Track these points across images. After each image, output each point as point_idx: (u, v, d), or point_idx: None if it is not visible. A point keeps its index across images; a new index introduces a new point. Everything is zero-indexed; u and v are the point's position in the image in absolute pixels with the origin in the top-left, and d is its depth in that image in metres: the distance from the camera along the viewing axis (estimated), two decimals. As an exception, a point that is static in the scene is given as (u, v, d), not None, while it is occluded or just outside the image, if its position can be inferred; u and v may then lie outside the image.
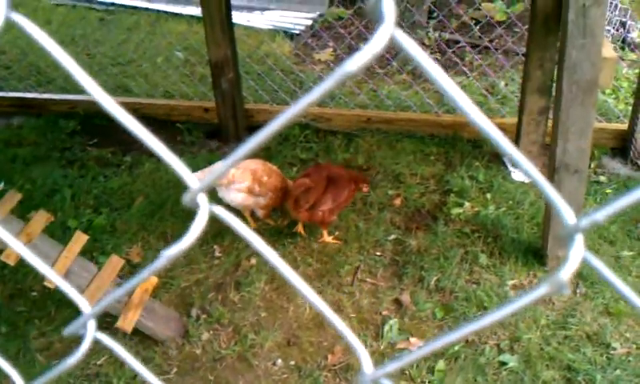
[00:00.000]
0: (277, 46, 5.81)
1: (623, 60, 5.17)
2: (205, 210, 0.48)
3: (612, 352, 2.70)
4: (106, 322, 2.84)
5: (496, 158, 3.97)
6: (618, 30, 5.51)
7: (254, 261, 3.29)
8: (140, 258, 3.37)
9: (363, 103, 4.70)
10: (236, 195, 3.27)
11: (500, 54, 5.27)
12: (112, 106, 0.46)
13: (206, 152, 4.37)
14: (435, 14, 5.63)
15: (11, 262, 2.62)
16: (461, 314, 2.94)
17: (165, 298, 3.12)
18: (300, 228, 3.44)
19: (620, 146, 3.99)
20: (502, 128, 4.09)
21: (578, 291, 3.01)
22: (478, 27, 5.17)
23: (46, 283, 2.70)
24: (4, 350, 2.88)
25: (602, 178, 3.78)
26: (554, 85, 3.16)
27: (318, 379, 2.68)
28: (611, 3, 5.41)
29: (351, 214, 3.57)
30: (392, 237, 3.43)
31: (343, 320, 2.75)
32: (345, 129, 4.39)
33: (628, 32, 5.46)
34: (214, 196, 3.43)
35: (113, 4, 7.25)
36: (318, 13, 6.62)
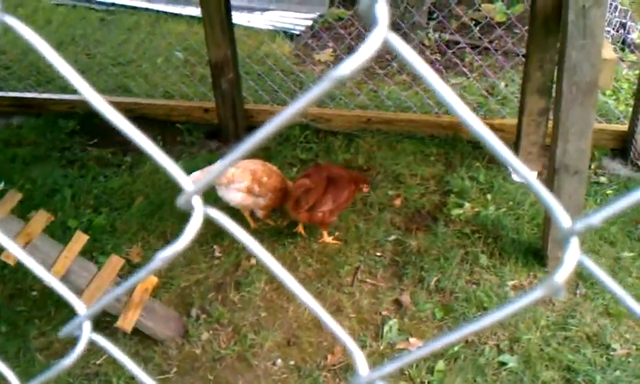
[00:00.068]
0: (277, 46, 5.81)
1: (623, 61, 5.17)
2: (199, 212, 0.48)
3: (612, 353, 2.70)
4: (106, 321, 2.84)
5: (496, 159, 3.97)
6: (618, 31, 5.51)
7: (253, 261, 3.30)
8: (140, 258, 3.37)
9: (363, 104, 4.70)
10: (235, 195, 3.27)
11: (500, 55, 5.27)
12: (104, 106, 0.46)
13: (205, 152, 4.37)
14: (435, 15, 5.63)
15: (11, 262, 2.63)
16: (461, 315, 2.94)
17: (165, 297, 3.12)
18: (300, 228, 3.44)
19: (620, 147, 3.99)
20: (502, 129, 4.10)
21: (577, 292, 3.01)
22: (477, 28, 5.18)
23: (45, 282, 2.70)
24: (4, 349, 2.88)
25: (603, 179, 3.78)
26: (554, 86, 3.16)
27: (317, 379, 2.68)
28: (611, 4, 5.41)
29: (351, 214, 3.57)
30: (392, 237, 3.43)
31: (343, 320, 2.77)
32: (345, 129, 4.39)
33: (628, 33, 5.46)
34: (212, 195, 3.43)
35: (113, 4, 7.26)
36: (318, 13, 6.62)
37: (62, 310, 3.05)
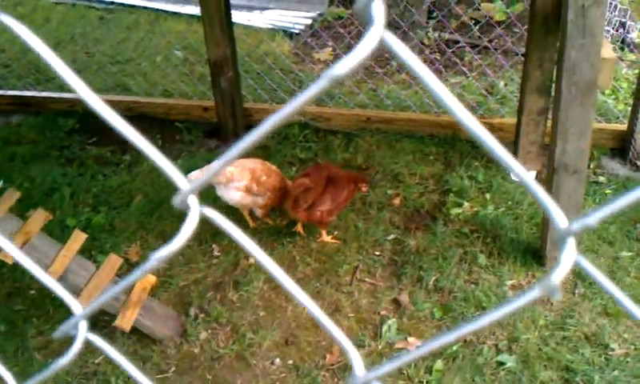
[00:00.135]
0: (276, 45, 5.81)
1: (622, 60, 5.17)
2: (195, 212, 0.48)
3: (610, 353, 2.70)
4: (104, 320, 2.84)
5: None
6: (617, 31, 5.51)
7: (252, 260, 3.29)
8: (138, 257, 3.37)
9: (363, 103, 4.70)
10: (234, 194, 3.27)
11: (499, 54, 5.27)
12: (100, 105, 0.46)
13: (204, 151, 4.37)
14: (435, 14, 5.63)
15: (9, 261, 2.62)
16: (459, 314, 2.94)
17: (163, 296, 3.12)
18: (299, 227, 3.44)
19: (619, 147, 3.99)
20: (502, 128, 4.10)
21: (576, 292, 3.01)
22: (477, 27, 5.17)
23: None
24: (2, 348, 2.88)
25: (602, 179, 3.78)
26: (554, 85, 3.16)
27: (316, 379, 2.68)
28: (611, 3, 5.41)
29: (350, 213, 3.57)
30: (391, 237, 3.43)
31: (342, 320, 2.77)
32: (344, 128, 4.39)
33: (627, 32, 5.45)
34: (211, 194, 3.43)
35: (112, 2, 7.25)
36: (317, 12, 6.62)
37: (60, 308, 3.05)
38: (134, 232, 3.56)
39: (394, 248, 3.36)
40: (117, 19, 6.92)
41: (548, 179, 3.05)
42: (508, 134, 4.07)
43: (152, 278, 2.87)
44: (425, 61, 5.43)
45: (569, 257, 0.38)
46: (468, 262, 3.20)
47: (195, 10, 5.98)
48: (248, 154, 3.49)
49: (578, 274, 3.07)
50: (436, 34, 5.67)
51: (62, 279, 2.61)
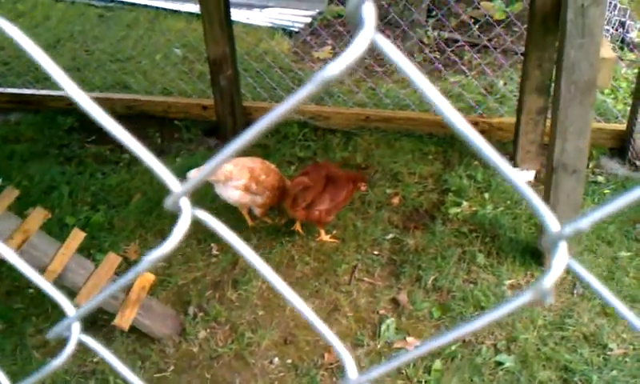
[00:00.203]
0: (276, 43, 5.81)
1: (622, 60, 5.16)
2: (187, 214, 0.48)
3: (609, 353, 2.70)
4: (103, 319, 2.84)
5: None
6: (617, 30, 5.50)
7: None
8: (137, 256, 3.37)
9: (362, 101, 4.70)
10: (233, 192, 3.26)
11: (499, 53, 5.26)
12: (91, 106, 0.45)
13: (203, 149, 4.36)
14: (434, 13, 5.62)
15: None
16: (458, 314, 2.94)
17: (162, 295, 3.12)
18: (298, 227, 3.43)
19: (618, 146, 3.98)
20: (501, 127, 4.10)
21: (575, 292, 3.01)
22: (477, 26, 5.17)
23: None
24: (1, 347, 2.88)
25: (600, 178, 3.77)
26: (553, 84, 3.16)
27: (314, 378, 2.68)
28: (610, 3, 5.40)
29: (349, 212, 3.57)
30: (390, 236, 3.43)
31: (340, 319, 2.76)
32: (343, 127, 4.38)
33: (627, 32, 5.45)
34: (209, 193, 3.43)
35: (112, 0, 7.24)
36: (317, 10, 6.61)
37: (58, 307, 3.04)
38: (133, 230, 3.55)
39: (392, 247, 3.36)
40: (116, 17, 6.91)
41: (547, 179, 3.05)
42: (507, 134, 4.07)
43: (151, 277, 2.87)
44: (424, 60, 5.43)
45: (561, 261, 0.38)
46: (467, 261, 3.20)
47: (195, 7, 5.99)
48: (247, 152, 3.49)
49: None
50: (435, 33, 5.67)
51: (60, 278, 2.61)
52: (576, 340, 2.77)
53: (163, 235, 3.51)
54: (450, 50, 5.04)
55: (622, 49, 5.38)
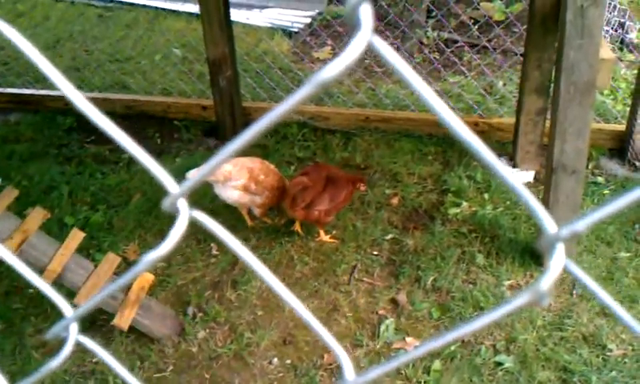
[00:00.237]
0: (275, 44, 5.81)
1: (621, 61, 5.17)
2: (185, 215, 0.48)
3: (608, 353, 2.70)
4: (103, 319, 2.84)
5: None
6: (616, 31, 5.51)
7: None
8: (137, 256, 3.37)
9: (361, 102, 4.70)
10: (232, 192, 3.26)
11: (498, 54, 5.27)
12: (88, 107, 0.46)
13: (203, 150, 4.37)
14: (434, 14, 5.62)
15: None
16: (457, 314, 2.94)
17: (161, 296, 3.12)
18: (297, 226, 3.43)
19: (618, 147, 3.99)
20: (500, 128, 4.10)
21: (574, 292, 3.01)
22: (476, 27, 5.17)
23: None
24: (0, 347, 2.88)
25: (600, 179, 3.77)
26: (552, 85, 3.16)
27: (313, 378, 2.68)
28: (610, 4, 5.41)
29: (348, 213, 3.57)
30: (389, 236, 3.43)
31: (340, 319, 2.76)
32: (343, 127, 4.39)
33: (626, 33, 5.45)
34: (208, 193, 3.43)
35: (112, 0, 7.24)
36: (316, 11, 6.62)
37: (57, 307, 3.04)
38: (133, 231, 3.55)
39: (392, 248, 3.36)
40: (116, 17, 6.92)
41: (546, 179, 3.05)
42: (507, 134, 4.07)
43: (150, 277, 2.87)
44: (424, 60, 5.43)
45: (558, 263, 0.38)
46: (466, 261, 3.20)
47: (194, 8, 5.99)
48: (246, 152, 3.48)
49: (576, 274, 3.07)
50: (435, 34, 5.67)
51: (60, 278, 2.61)
52: (575, 340, 2.77)
53: (163, 235, 3.50)
54: (449, 50, 5.04)
55: (621, 50, 5.39)
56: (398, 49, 5.33)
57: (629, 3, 5.10)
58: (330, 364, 2.74)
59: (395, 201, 3.69)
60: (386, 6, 5.37)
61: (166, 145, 4.47)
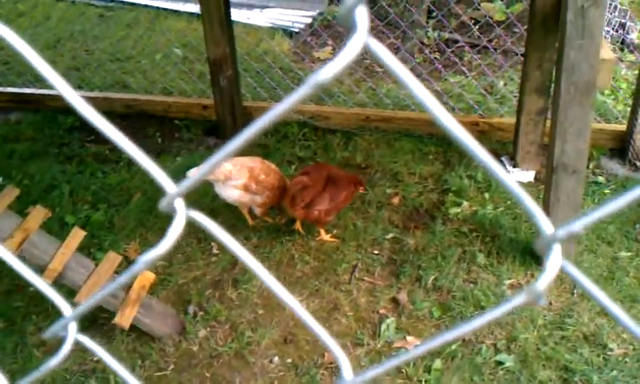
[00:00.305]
0: (276, 43, 5.81)
1: (622, 61, 5.16)
2: (182, 215, 0.48)
3: (609, 353, 2.70)
4: (104, 317, 2.85)
5: (494, 158, 3.96)
6: (617, 31, 5.51)
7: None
8: (137, 255, 3.37)
9: (362, 101, 4.70)
10: (232, 192, 3.27)
11: (499, 54, 5.27)
12: (85, 107, 0.46)
13: (203, 149, 4.37)
14: (434, 14, 5.62)
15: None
16: (458, 314, 2.94)
17: (162, 294, 3.12)
18: (298, 225, 3.44)
19: (618, 147, 3.99)
20: (501, 128, 4.10)
21: (575, 291, 3.01)
22: (477, 27, 5.17)
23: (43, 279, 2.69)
24: (1, 345, 2.88)
25: (601, 179, 3.77)
26: (553, 85, 3.16)
27: (314, 377, 2.68)
28: (610, 4, 5.40)
29: (349, 212, 3.57)
30: (390, 235, 3.43)
31: (340, 318, 2.76)
32: (343, 127, 4.39)
33: (627, 33, 5.45)
34: (208, 192, 3.43)
35: (112, 0, 7.25)
36: (317, 11, 6.62)
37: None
38: (133, 229, 3.56)
39: (392, 247, 3.36)
40: (116, 17, 6.92)
41: (547, 179, 3.05)
42: (507, 134, 4.07)
43: (151, 276, 2.87)
44: (424, 60, 5.43)
45: (554, 263, 0.38)
46: (467, 261, 3.20)
47: (195, 8, 5.98)
48: (247, 152, 3.48)
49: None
50: (435, 34, 5.67)
51: (61, 276, 2.62)
52: (576, 340, 2.77)
53: (163, 234, 3.48)
54: (450, 50, 5.04)
55: (622, 50, 5.38)
56: (398, 49, 5.33)
57: (630, 4, 5.10)
58: (331, 363, 2.74)
59: (396, 200, 3.69)
60: (386, 6, 5.37)
61: (166, 144, 4.48)
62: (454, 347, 2.74)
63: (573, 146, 2.80)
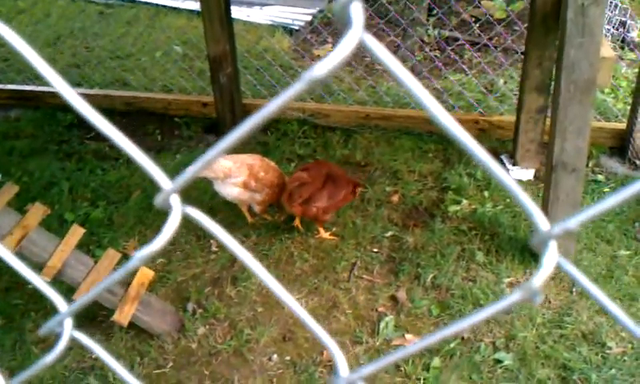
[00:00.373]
0: (276, 41, 5.80)
1: (622, 59, 5.16)
2: (177, 211, 0.48)
3: (607, 351, 2.70)
4: (102, 314, 2.85)
5: (494, 156, 3.96)
6: (617, 30, 5.50)
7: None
8: (137, 252, 3.36)
9: (362, 99, 4.70)
10: (231, 189, 3.26)
11: (499, 52, 5.26)
12: (80, 102, 0.46)
13: (203, 146, 4.37)
14: (435, 12, 5.62)
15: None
16: (457, 312, 2.94)
17: (161, 292, 3.12)
18: (297, 222, 3.44)
19: (618, 146, 3.98)
20: (501, 126, 4.10)
21: (573, 290, 3.01)
22: (477, 25, 5.16)
23: (41, 277, 2.69)
24: (0, 342, 2.88)
25: (600, 177, 3.77)
26: (553, 83, 3.16)
27: (313, 375, 2.68)
28: (611, 2, 5.40)
29: (348, 210, 3.57)
30: (389, 233, 3.43)
31: (339, 316, 2.76)
32: (343, 125, 4.38)
33: (628, 31, 5.45)
34: (208, 190, 3.43)
35: (112, -3, 7.24)
36: (317, 8, 6.61)
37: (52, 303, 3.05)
38: (133, 227, 3.56)
39: (391, 245, 3.36)
40: (116, 14, 6.91)
41: (546, 177, 3.05)
42: (507, 132, 4.07)
43: (150, 273, 2.87)
44: (425, 58, 5.42)
45: (550, 260, 0.38)
46: (466, 259, 3.20)
47: (195, 5, 5.99)
48: (246, 149, 3.48)
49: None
50: (436, 32, 5.67)
51: (60, 274, 2.61)
52: (575, 338, 2.77)
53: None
54: (450, 48, 5.03)
55: (622, 48, 5.38)
56: (398, 47, 5.32)
57: (630, 2, 5.10)
58: (330, 360, 2.74)
59: (395, 198, 3.69)
60: (386, 4, 5.36)
61: (166, 142, 4.47)
62: (452, 345, 2.74)
63: (572, 144, 2.80)
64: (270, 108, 0.39)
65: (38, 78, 5.19)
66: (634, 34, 5.42)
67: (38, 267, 2.56)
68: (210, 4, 3.99)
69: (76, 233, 2.80)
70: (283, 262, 3.26)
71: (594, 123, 3.53)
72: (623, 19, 5.47)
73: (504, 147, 4.04)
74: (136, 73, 5.34)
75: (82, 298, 0.56)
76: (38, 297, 3.10)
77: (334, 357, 0.47)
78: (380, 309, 2.98)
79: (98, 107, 0.48)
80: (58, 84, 0.46)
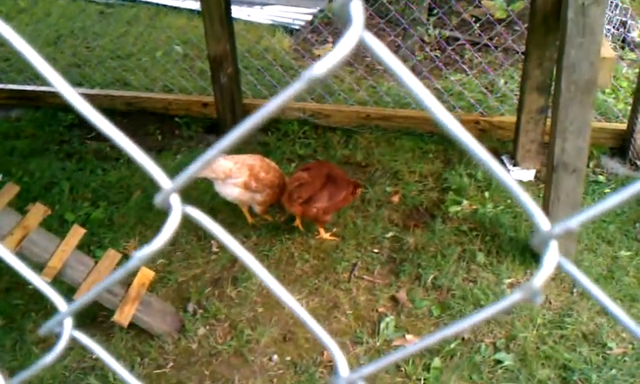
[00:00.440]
0: (276, 41, 5.80)
1: (623, 59, 5.16)
2: (177, 211, 0.48)
3: (608, 352, 2.70)
4: (103, 315, 2.85)
5: (495, 157, 3.96)
6: (618, 30, 5.50)
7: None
8: (137, 253, 3.36)
9: (362, 100, 4.69)
10: (232, 190, 3.26)
11: (500, 52, 5.26)
12: (80, 102, 0.45)
13: (204, 146, 4.36)
14: (435, 11, 5.62)
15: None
16: (457, 312, 2.94)
17: (162, 292, 3.12)
18: (298, 222, 3.43)
19: (619, 146, 3.98)
20: (501, 126, 4.10)
21: (574, 290, 3.01)
22: (477, 25, 5.16)
23: (41, 277, 2.69)
24: (0, 343, 2.88)
25: (601, 178, 3.77)
26: (553, 83, 3.15)
27: (313, 375, 2.68)
28: (611, 2, 5.40)
29: (349, 210, 3.57)
30: (389, 234, 3.43)
31: (340, 316, 2.76)
32: (344, 125, 4.38)
33: (628, 31, 5.44)
34: (209, 190, 3.43)
35: (113, -3, 7.24)
36: (318, 8, 6.61)
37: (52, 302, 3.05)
38: (133, 227, 3.56)
39: (392, 245, 3.36)
40: (117, 13, 6.91)
41: (547, 177, 3.05)
42: (507, 132, 4.07)
43: (150, 274, 2.87)
44: (425, 58, 5.42)
45: (551, 260, 0.38)
46: (466, 260, 3.20)
47: (195, 5, 5.99)
48: (247, 150, 3.47)
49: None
50: (436, 32, 5.66)
51: (60, 274, 2.61)
52: (575, 339, 2.77)
53: (163, 232, 3.51)
54: (450, 48, 5.03)
55: (622, 48, 5.38)
56: (399, 47, 5.32)
57: (631, 2, 5.09)
58: (330, 361, 2.74)
59: (396, 199, 3.69)
60: (387, 4, 5.36)
61: (166, 142, 4.47)
62: (453, 346, 2.74)
63: (573, 144, 2.79)
64: (269, 107, 0.39)
65: (38, 78, 5.18)
66: (634, 34, 5.42)
67: (39, 267, 2.56)
68: (211, 4, 3.99)
69: (76, 233, 2.80)
70: (284, 263, 3.26)
71: (594, 124, 3.52)
72: (624, 19, 5.47)
73: (505, 148, 4.04)
74: (136, 73, 5.34)
75: (82, 298, 0.56)
76: (38, 297, 3.10)
77: (335, 357, 0.47)
78: (380, 309, 2.98)
79: (98, 107, 0.48)
80: (59, 84, 0.46)
